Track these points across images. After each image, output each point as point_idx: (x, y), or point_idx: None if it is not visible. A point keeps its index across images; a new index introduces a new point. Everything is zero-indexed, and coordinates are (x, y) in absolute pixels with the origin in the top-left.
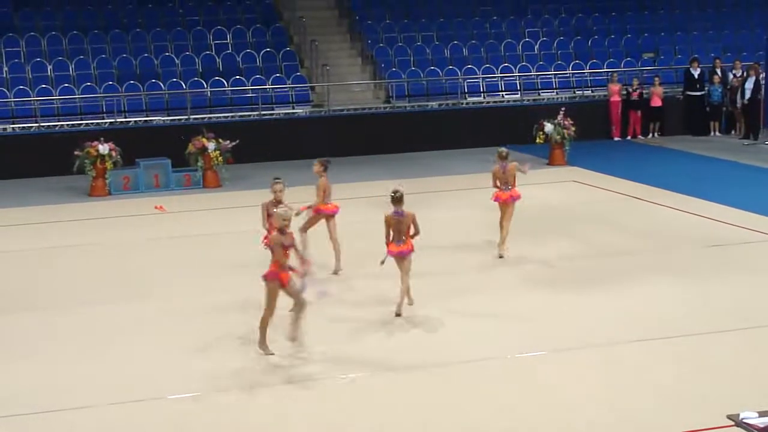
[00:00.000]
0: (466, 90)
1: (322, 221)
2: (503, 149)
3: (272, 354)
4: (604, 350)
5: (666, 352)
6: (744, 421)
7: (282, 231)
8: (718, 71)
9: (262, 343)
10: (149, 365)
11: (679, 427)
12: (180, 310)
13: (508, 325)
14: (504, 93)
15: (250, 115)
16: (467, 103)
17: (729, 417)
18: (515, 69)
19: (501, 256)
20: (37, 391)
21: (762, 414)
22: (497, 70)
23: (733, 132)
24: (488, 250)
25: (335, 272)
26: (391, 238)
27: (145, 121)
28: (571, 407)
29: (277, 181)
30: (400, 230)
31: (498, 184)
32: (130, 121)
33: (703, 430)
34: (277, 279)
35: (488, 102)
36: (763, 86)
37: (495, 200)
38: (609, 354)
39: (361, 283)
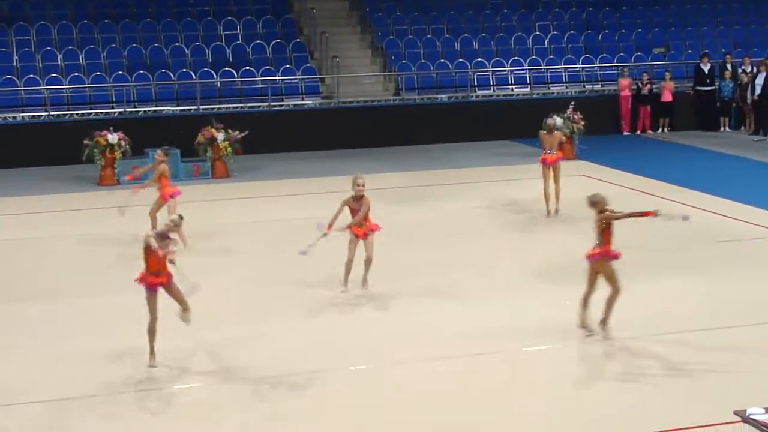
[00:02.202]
0: (475, 83)
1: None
2: (551, 120)
3: (155, 366)
4: (613, 344)
5: (676, 347)
6: (751, 417)
7: (163, 236)
8: (729, 67)
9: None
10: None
11: (687, 422)
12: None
13: (514, 317)
14: (513, 86)
15: (259, 106)
16: (477, 97)
17: (736, 413)
18: (525, 63)
19: (557, 211)
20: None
21: None
22: (507, 63)
23: (742, 128)
24: (495, 242)
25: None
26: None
27: (155, 111)
28: (578, 400)
29: (359, 176)
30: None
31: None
32: (139, 111)
33: (711, 426)
34: (147, 284)
35: (498, 95)
36: None
37: (542, 162)
38: (619, 348)
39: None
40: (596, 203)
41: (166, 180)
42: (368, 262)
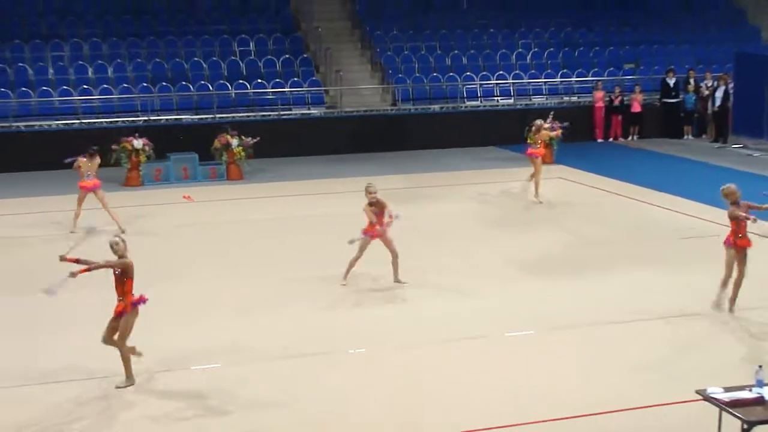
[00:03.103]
0: (464, 95)
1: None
2: (539, 121)
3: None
4: (586, 330)
5: (643, 333)
6: (711, 395)
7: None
8: (692, 81)
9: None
10: (171, 339)
11: (652, 401)
12: (204, 291)
13: (498, 306)
14: (499, 98)
15: (270, 115)
16: (465, 107)
17: (697, 392)
18: (509, 76)
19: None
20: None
21: (727, 390)
22: (493, 77)
23: (704, 136)
24: (485, 242)
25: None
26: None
27: (176, 119)
28: (554, 381)
29: (369, 185)
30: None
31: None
32: (162, 119)
33: (674, 404)
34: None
35: (484, 106)
36: (731, 95)
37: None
38: (591, 334)
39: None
40: (727, 195)
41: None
42: (395, 257)
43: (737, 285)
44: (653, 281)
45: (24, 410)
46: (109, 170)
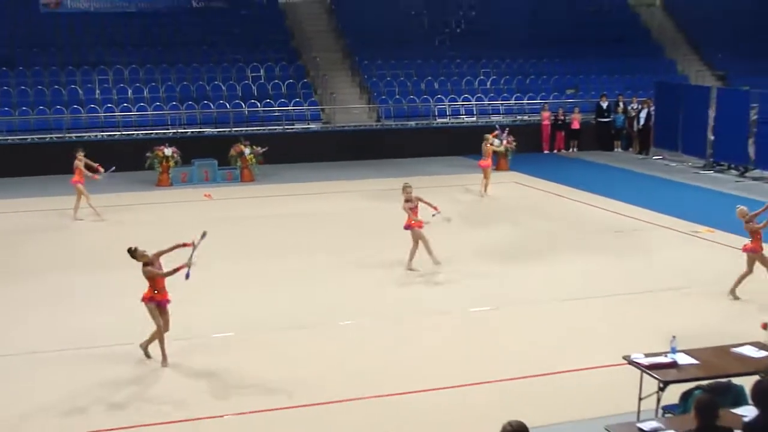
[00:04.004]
0: (436, 113)
1: None
2: (487, 135)
3: (150, 357)
4: (536, 306)
5: (582, 308)
6: (634, 360)
7: (151, 263)
8: (621, 104)
9: (146, 347)
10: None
11: (588, 364)
12: (223, 273)
13: (463, 287)
14: (464, 116)
15: (276, 129)
16: (437, 123)
17: (624, 357)
18: (473, 98)
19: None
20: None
21: (647, 355)
22: (459, 99)
23: (630, 149)
24: (452, 233)
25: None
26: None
27: (199, 131)
28: (508, 347)
29: (406, 185)
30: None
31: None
32: (187, 131)
33: (604, 367)
34: (153, 301)
35: (452, 122)
36: (652, 116)
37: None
38: (539, 309)
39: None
40: (740, 213)
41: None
42: (426, 244)
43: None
44: (591, 266)
45: (85, 369)
46: (144, 173)
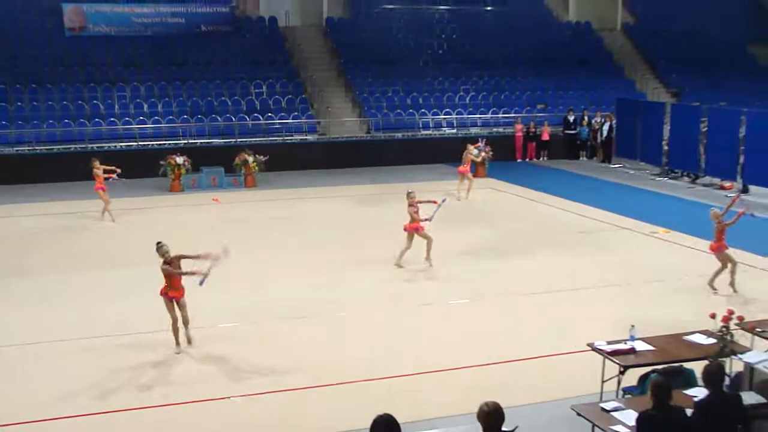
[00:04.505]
0: (420, 126)
1: None
2: (470, 145)
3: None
4: (510, 299)
5: (552, 301)
6: (597, 346)
7: (170, 263)
8: (586, 118)
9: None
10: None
11: (556, 351)
12: (229, 268)
13: (445, 281)
14: (446, 128)
15: (276, 140)
16: (421, 135)
17: (588, 344)
18: (453, 112)
19: (458, 199)
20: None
21: (609, 343)
22: (441, 113)
23: (594, 158)
24: (434, 233)
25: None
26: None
27: (207, 142)
28: (486, 336)
29: (409, 192)
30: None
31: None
32: (197, 142)
33: (572, 353)
34: (167, 297)
35: (435, 134)
36: (614, 129)
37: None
38: (513, 301)
39: (361, 251)
40: (713, 215)
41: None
42: (430, 244)
43: (732, 272)
44: (559, 263)
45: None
46: (158, 180)
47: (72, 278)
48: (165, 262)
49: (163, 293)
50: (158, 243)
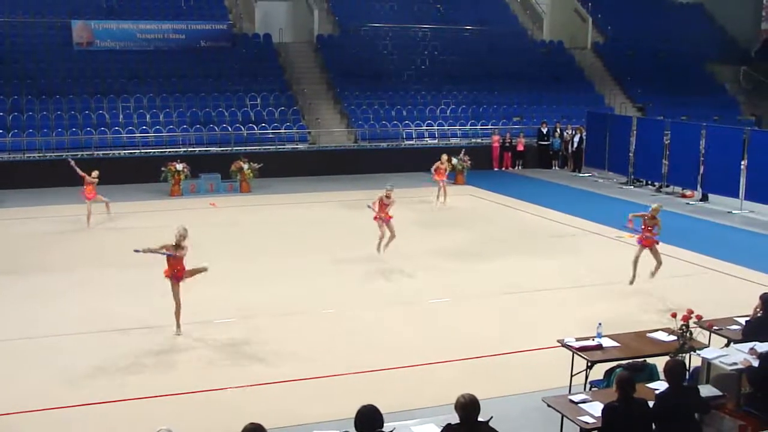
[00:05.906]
0: (404, 136)
1: None
2: (444, 155)
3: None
4: (487, 299)
5: (525, 300)
6: (566, 343)
7: (178, 246)
8: (558, 130)
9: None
10: (199, 298)
11: (528, 346)
12: (226, 268)
13: (426, 281)
14: (428, 139)
15: (270, 148)
16: (405, 144)
17: (558, 341)
18: (435, 124)
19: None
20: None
21: (578, 339)
22: (424, 124)
23: (566, 167)
24: (417, 237)
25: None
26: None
27: (205, 150)
28: (465, 333)
29: (389, 188)
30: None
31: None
32: (196, 150)
33: (541, 349)
34: (172, 278)
35: (417, 144)
36: (584, 140)
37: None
38: (490, 301)
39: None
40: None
41: (88, 187)
42: (392, 237)
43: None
44: (533, 265)
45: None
46: (159, 185)
47: (84, 275)
48: (178, 247)
49: (176, 276)
50: (185, 229)
